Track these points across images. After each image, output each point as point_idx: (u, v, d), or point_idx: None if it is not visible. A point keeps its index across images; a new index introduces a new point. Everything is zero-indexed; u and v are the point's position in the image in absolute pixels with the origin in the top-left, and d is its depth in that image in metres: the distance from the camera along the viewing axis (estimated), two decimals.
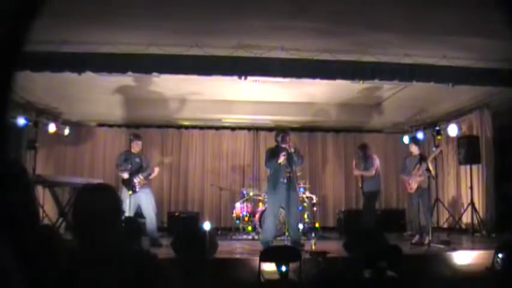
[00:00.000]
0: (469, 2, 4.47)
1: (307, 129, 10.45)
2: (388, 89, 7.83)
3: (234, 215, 8.46)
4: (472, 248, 6.42)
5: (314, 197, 8.58)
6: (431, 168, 6.68)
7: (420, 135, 9.16)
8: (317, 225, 8.46)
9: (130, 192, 6.50)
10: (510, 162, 7.88)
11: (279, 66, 6.02)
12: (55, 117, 8.70)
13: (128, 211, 6.35)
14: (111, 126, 10.16)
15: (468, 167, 8.25)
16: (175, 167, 10.10)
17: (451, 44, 5.71)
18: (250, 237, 7.91)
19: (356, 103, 8.90)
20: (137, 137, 6.97)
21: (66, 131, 9.01)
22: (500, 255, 4.47)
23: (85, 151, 10.01)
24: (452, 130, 8.42)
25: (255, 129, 10.38)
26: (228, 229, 8.84)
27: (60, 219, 6.96)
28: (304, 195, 8.29)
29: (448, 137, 8.93)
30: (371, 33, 5.42)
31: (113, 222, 1.79)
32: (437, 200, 8.45)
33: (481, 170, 8.20)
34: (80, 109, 8.82)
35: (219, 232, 8.45)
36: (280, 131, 6.34)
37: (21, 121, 7.42)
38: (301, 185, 8.33)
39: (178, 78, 6.82)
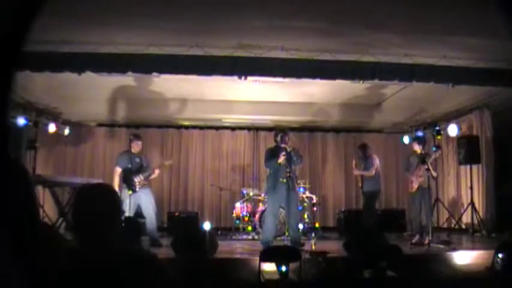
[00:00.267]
0: (469, 2, 4.47)
1: (307, 129, 10.46)
2: (390, 87, 7.83)
3: (234, 215, 8.46)
4: (472, 248, 6.42)
5: (314, 197, 8.58)
6: (431, 168, 6.68)
7: (420, 135, 9.15)
8: (317, 225, 8.46)
9: (130, 192, 6.49)
10: (510, 162, 7.88)
11: (279, 66, 6.02)
12: (55, 117, 8.70)
13: (128, 211, 6.35)
14: (111, 126, 10.16)
15: (468, 167, 8.25)
16: (175, 167, 10.10)
17: (451, 44, 5.71)
18: (250, 237, 7.90)
19: (356, 103, 8.90)
20: (137, 137, 6.96)
21: (66, 131, 9.01)
22: (500, 255, 4.47)
23: (85, 151, 10.01)
24: (452, 130, 8.43)
25: (255, 129, 10.38)
26: (228, 229, 8.84)
27: (60, 219, 6.96)
28: (304, 195, 8.29)
29: (448, 137, 8.94)
30: (371, 33, 5.42)
31: (113, 222, 1.79)
32: (437, 200, 8.45)
33: (481, 170, 8.20)
34: (80, 109, 8.82)
35: (219, 232, 8.45)
36: (280, 131, 6.35)
37: (21, 121, 7.41)
38: (301, 185, 8.33)
39: (178, 78, 6.82)
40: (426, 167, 6.66)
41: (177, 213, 8.79)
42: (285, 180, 6.04)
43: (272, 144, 6.52)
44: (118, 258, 1.68)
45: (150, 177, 6.86)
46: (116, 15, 4.96)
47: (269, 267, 4.64)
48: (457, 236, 7.63)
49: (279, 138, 6.22)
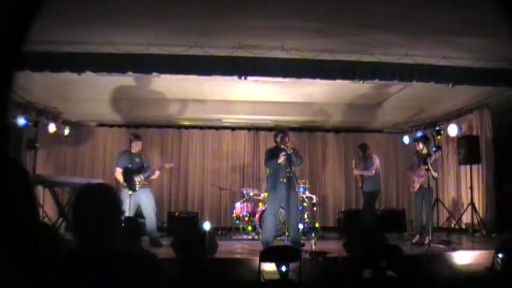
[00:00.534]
0: (469, 2, 4.47)
1: (307, 129, 10.45)
2: (390, 87, 7.83)
3: (234, 215, 8.46)
4: (472, 248, 6.42)
5: (314, 197, 8.57)
6: (431, 168, 6.68)
7: (419, 135, 9.15)
8: (317, 225, 8.46)
9: (130, 192, 6.50)
10: (510, 162, 7.88)
11: (279, 66, 6.02)
12: (55, 117, 8.69)
13: (128, 211, 6.35)
14: (111, 126, 10.16)
15: (468, 167, 8.25)
16: (175, 167, 10.08)
17: (451, 44, 5.71)
18: (250, 237, 7.91)
19: (356, 103, 8.90)
20: (137, 137, 6.96)
21: (66, 131, 9.01)
22: (500, 255, 4.47)
23: (85, 151, 10.01)
24: (452, 130, 8.42)
25: (255, 129, 10.37)
26: (228, 229, 8.84)
27: (60, 219, 6.96)
28: (304, 195, 8.29)
29: (448, 137, 8.93)
30: (371, 33, 5.42)
31: (113, 222, 1.79)
32: (437, 200, 8.44)
33: (481, 170, 8.20)
34: (80, 109, 8.82)
35: (219, 232, 8.45)
36: (280, 131, 6.34)
37: (21, 121, 7.41)
38: (301, 185, 8.33)
39: (178, 78, 6.82)
40: (426, 167, 6.67)
41: (177, 213, 8.79)
42: (285, 181, 6.04)
43: (272, 144, 6.52)
44: (118, 258, 1.68)
45: (150, 177, 6.87)
46: (116, 15, 4.96)
47: (269, 267, 4.64)
48: (457, 236, 7.63)
49: (279, 139, 6.21)
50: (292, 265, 4.49)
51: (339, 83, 6.85)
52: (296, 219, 6.24)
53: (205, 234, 5.29)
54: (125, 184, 6.56)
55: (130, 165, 6.59)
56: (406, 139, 9.76)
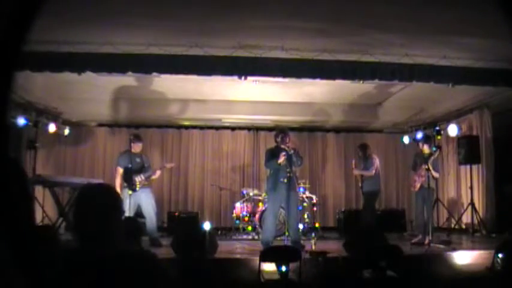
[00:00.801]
0: (469, 2, 4.47)
1: (307, 129, 10.45)
2: (390, 87, 7.83)
3: (234, 215, 8.46)
4: (472, 248, 6.41)
5: (314, 197, 8.58)
6: (431, 168, 6.68)
7: (420, 135, 9.15)
8: (317, 225, 8.46)
9: (130, 191, 6.50)
10: (510, 162, 7.88)
11: (279, 66, 6.02)
12: (55, 117, 8.69)
13: (128, 211, 6.35)
14: (111, 126, 10.16)
15: (468, 167, 8.24)
16: (175, 167, 10.08)
17: (451, 44, 5.71)
18: (250, 237, 7.91)
19: (356, 103, 8.90)
20: (137, 138, 6.94)
21: (66, 131, 9.00)
22: (500, 255, 4.47)
23: (85, 151, 10.00)
24: (452, 130, 8.42)
25: (255, 129, 10.37)
26: (228, 229, 8.84)
27: (60, 219, 6.96)
28: (304, 195, 8.29)
29: (448, 137, 8.93)
30: (371, 33, 5.42)
31: (113, 222, 1.79)
32: (437, 200, 8.44)
33: (481, 170, 8.19)
34: (80, 109, 8.82)
35: (219, 232, 8.45)
36: (280, 131, 6.34)
37: (21, 121, 7.41)
38: (301, 185, 8.33)
39: (178, 78, 6.82)
40: (426, 166, 6.67)
41: (177, 213, 8.79)
42: (285, 181, 6.04)
43: (272, 144, 6.52)
44: (118, 258, 1.68)
45: (151, 177, 6.86)
46: (116, 15, 4.96)
47: (269, 267, 4.64)
48: (457, 236, 7.63)
49: (279, 139, 6.21)
50: (292, 265, 4.49)
51: (339, 83, 6.85)
52: (296, 219, 6.24)
53: (205, 234, 5.29)
54: (124, 184, 6.56)
55: (130, 165, 6.59)
56: (406, 139, 9.76)
